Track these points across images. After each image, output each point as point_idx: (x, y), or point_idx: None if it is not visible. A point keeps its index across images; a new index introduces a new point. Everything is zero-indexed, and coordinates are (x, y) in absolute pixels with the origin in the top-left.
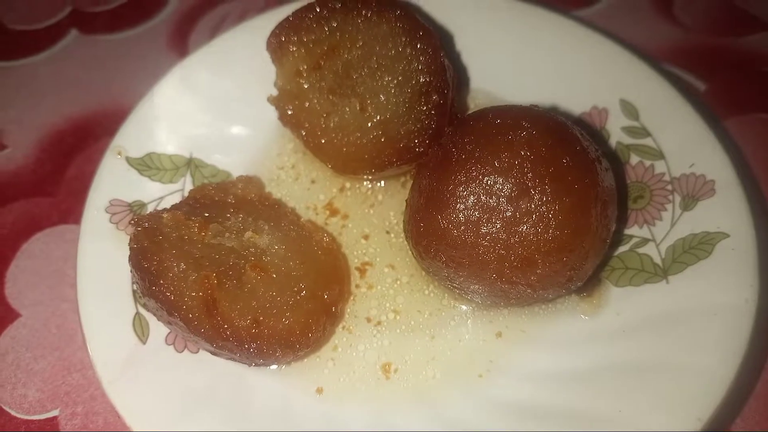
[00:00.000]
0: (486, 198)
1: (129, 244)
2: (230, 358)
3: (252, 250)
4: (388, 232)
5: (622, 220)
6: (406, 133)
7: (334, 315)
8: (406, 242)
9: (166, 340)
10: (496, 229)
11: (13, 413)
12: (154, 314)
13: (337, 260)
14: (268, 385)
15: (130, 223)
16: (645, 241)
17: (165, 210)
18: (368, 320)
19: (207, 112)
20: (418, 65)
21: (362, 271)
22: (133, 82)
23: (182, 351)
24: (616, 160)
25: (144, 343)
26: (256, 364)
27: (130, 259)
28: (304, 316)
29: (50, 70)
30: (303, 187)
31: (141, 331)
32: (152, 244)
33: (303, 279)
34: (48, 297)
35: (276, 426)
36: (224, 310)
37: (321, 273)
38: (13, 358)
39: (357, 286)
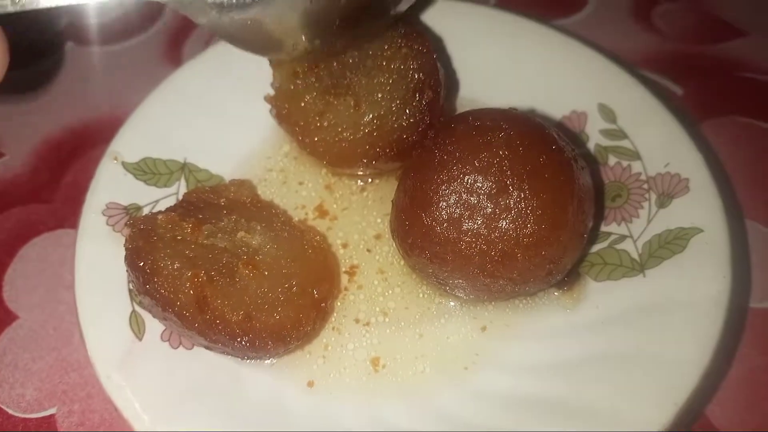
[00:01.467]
0: (467, 196)
1: (124, 245)
2: (223, 352)
3: (244, 249)
4: (377, 237)
5: (600, 218)
6: (399, 127)
7: (323, 310)
8: (392, 242)
9: (161, 337)
10: (477, 225)
11: (10, 412)
12: (150, 311)
13: (327, 259)
14: (261, 379)
15: (126, 224)
16: (623, 238)
17: (160, 212)
18: (357, 321)
19: (200, 119)
20: (412, 64)
21: (351, 274)
22: (128, 93)
23: (177, 347)
24: (594, 162)
25: (140, 339)
26: (249, 358)
27: (126, 258)
28: (294, 311)
29: (46, 81)
30: (291, 189)
31: (137, 328)
32: (147, 244)
33: (294, 276)
34: (45, 299)
35: (269, 417)
36: (216, 305)
37: (311, 271)
38: (11, 359)
39: (346, 288)
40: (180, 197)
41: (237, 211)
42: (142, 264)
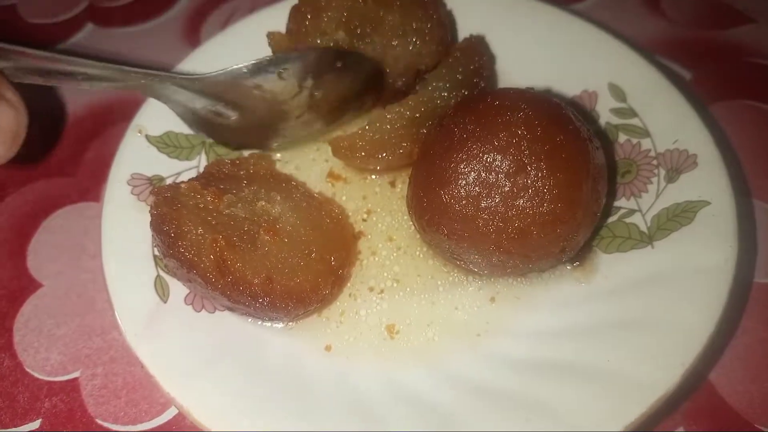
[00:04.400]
0: (486, 174)
1: (150, 211)
2: (245, 313)
3: (265, 217)
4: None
5: (611, 194)
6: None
7: (340, 277)
8: (407, 215)
9: (185, 300)
10: (495, 203)
11: (36, 375)
12: (174, 274)
13: (344, 229)
14: (280, 342)
15: (151, 193)
16: (632, 212)
17: (183, 182)
18: (371, 289)
19: None
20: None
21: (358, 238)
22: None
23: (200, 310)
24: (605, 139)
25: (165, 302)
26: (270, 319)
27: (152, 223)
28: (313, 275)
29: None
30: (308, 158)
31: (162, 291)
32: (171, 210)
33: (312, 244)
34: (69, 268)
35: (289, 376)
36: (237, 268)
37: (329, 239)
38: (35, 325)
39: (359, 251)
40: (201, 170)
41: (257, 182)
42: (166, 228)
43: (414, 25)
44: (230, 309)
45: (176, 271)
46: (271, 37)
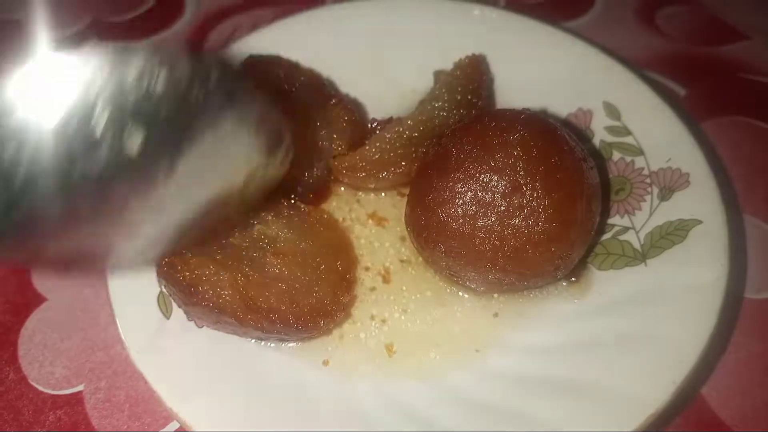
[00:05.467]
0: (482, 194)
1: (158, 272)
2: (280, 340)
3: (266, 240)
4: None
5: (605, 212)
6: None
7: (349, 281)
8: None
9: (187, 317)
10: (491, 222)
11: (41, 389)
12: (198, 319)
13: (338, 231)
14: (281, 358)
15: None
16: (625, 229)
17: None
18: (372, 318)
19: None
20: None
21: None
22: None
23: (202, 326)
24: (599, 157)
25: (168, 318)
26: (303, 339)
27: (161, 275)
28: (330, 286)
29: None
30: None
31: (165, 307)
32: (177, 258)
33: (317, 254)
34: (73, 283)
35: (288, 393)
36: (266, 299)
37: (328, 245)
38: (40, 339)
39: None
40: None
41: None
42: (180, 277)
43: (315, 114)
44: (262, 339)
45: (202, 316)
46: None
